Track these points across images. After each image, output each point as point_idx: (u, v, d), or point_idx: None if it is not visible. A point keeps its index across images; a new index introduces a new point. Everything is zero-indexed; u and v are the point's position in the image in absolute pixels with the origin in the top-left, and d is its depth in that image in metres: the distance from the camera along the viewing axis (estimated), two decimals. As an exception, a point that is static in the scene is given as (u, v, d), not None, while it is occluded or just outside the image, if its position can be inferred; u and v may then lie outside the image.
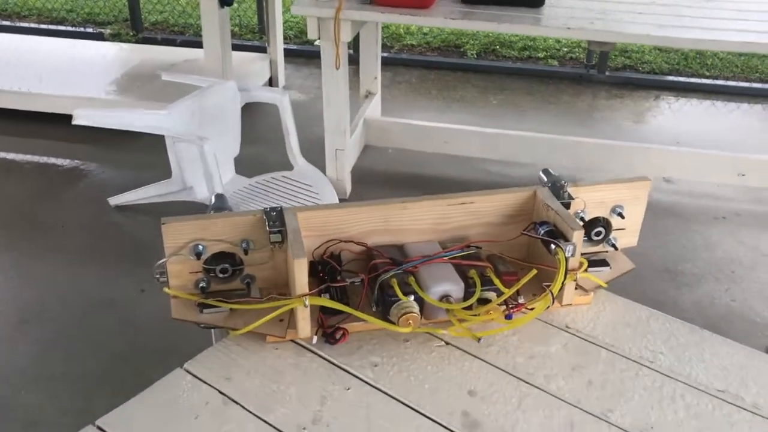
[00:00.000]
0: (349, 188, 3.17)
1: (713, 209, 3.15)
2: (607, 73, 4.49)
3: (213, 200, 1.28)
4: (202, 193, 2.87)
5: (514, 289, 1.13)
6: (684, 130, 3.95)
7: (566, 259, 1.10)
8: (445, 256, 1.17)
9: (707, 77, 4.60)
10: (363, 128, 3.37)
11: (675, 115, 4.18)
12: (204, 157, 2.68)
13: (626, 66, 4.71)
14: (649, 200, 1.31)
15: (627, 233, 1.30)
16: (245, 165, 3.15)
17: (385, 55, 4.37)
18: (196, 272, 1.16)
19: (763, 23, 2.66)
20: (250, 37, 5.09)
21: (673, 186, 3.32)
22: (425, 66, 4.63)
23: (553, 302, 1.14)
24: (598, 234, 1.28)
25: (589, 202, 1.25)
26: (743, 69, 4.69)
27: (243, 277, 1.18)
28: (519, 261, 1.23)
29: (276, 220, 1.13)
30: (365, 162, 3.40)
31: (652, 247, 2.85)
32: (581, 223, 1.20)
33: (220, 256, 1.15)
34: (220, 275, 1.17)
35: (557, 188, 1.23)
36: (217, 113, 2.95)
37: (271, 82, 4.18)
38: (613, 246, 1.29)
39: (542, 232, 1.16)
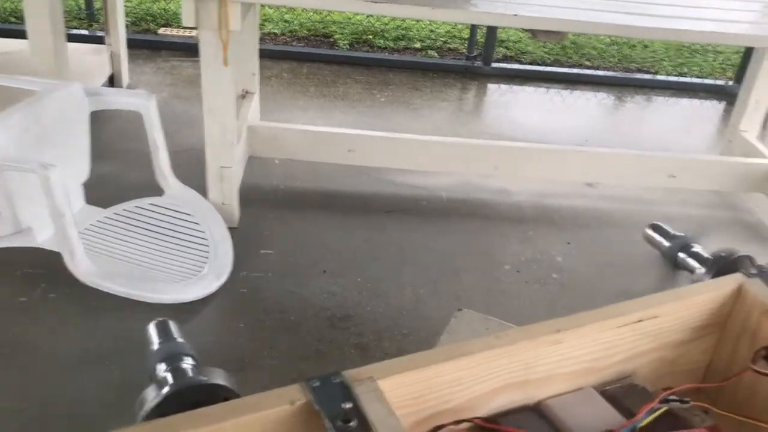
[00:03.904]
0: (237, 214, 2.53)
1: (644, 214, 2.88)
2: (493, 65, 4.15)
3: (156, 347, 0.65)
4: (44, 237, 2.12)
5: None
6: (590, 126, 3.70)
7: None
8: (635, 427, 0.65)
9: (588, 67, 4.42)
10: (246, 137, 2.73)
11: (572, 110, 3.93)
12: (49, 190, 1.93)
13: (507, 57, 4.41)
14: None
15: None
16: (97, 190, 2.43)
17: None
18: None
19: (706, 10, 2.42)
20: (76, 25, 4.16)
21: (597, 191, 3.02)
22: (295, 58, 4.03)
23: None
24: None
25: (796, 292, 0.78)
26: (620, 59, 4.57)
27: None
28: (729, 414, 0.73)
29: (329, 399, 0.55)
30: (250, 177, 2.77)
31: (599, 264, 2.52)
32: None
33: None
34: None
35: (776, 281, 0.75)
36: (60, 127, 2.20)
37: (113, 81, 3.38)
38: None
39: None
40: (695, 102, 4.18)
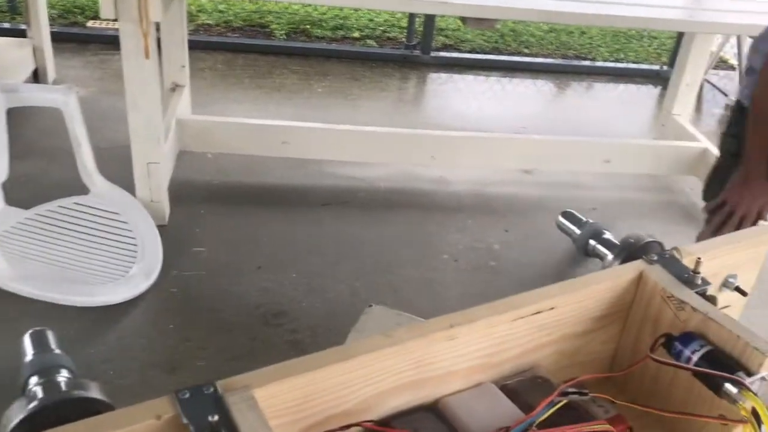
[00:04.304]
0: (167, 211, 2.46)
1: (582, 200, 2.90)
2: (432, 54, 4.13)
3: (29, 359, 0.60)
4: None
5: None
6: (530, 114, 3.71)
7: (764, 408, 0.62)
8: (533, 423, 0.62)
9: (526, 55, 4.44)
10: (176, 131, 2.65)
11: (510, 97, 3.94)
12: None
13: (446, 45, 4.40)
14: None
15: (732, 311, 0.85)
16: (18, 191, 2.32)
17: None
18: None
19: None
20: (-2, 18, 4.00)
21: (534, 178, 3.03)
22: (230, 49, 3.93)
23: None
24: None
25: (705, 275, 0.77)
26: (558, 46, 4.60)
27: None
28: (637, 406, 0.70)
29: (199, 411, 0.51)
30: (182, 173, 2.69)
31: (539, 250, 2.52)
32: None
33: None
34: None
35: (675, 264, 0.73)
36: (-28, 125, 2.09)
37: (37, 76, 3.24)
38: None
39: (693, 356, 0.67)
40: (632, 87, 4.23)
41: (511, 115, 3.66)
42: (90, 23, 3.91)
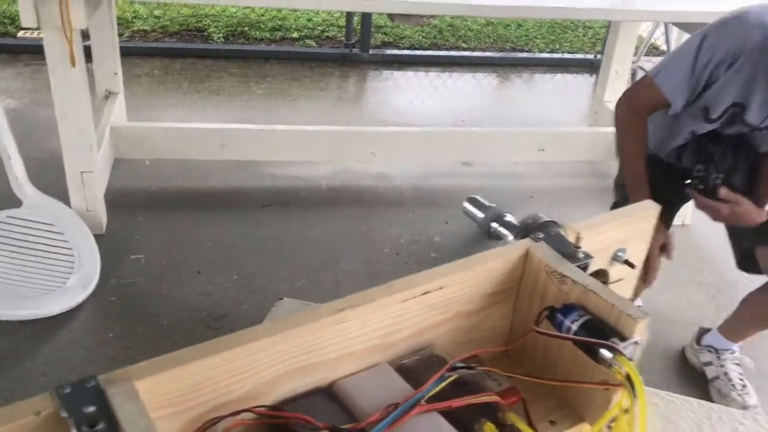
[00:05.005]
0: (104, 220, 2.44)
1: (520, 189, 2.96)
2: (371, 52, 4.16)
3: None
4: None
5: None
6: (469, 107, 3.76)
7: (636, 372, 0.65)
8: (422, 397, 0.65)
9: (465, 49, 4.50)
10: (110, 139, 2.62)
11: (450, 92, 3.98)
12: None
13: (385, 43, 4.43)
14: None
15: (625, 284, 0.89)
16: (-55, 206, 2.28)
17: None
18: None
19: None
20: None
21: (473, 169, 3.08)
22: (167, 54, 3.90)
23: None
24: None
25: (589, 251, 0.81)
26: (495, 39, 4.67)
27: None
28: (523, 377, 0.74)
29: (81, 404, 0.52)
30: (119, 181, 2.67)
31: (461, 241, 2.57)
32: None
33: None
34: None
35: (559, 241, 0.77)
36: None
37: (-34, 88, 3.17)
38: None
39: (573, 326, 0.70)
40: (568, 77, 4.32)
41: (450, 109, 3.71)
42: (21, 33, 3.83)
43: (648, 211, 0.87)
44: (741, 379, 2.05)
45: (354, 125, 3.17)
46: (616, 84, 3.18)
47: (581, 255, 0.76)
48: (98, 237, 2.33)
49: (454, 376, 0.68)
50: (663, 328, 2.28)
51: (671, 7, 2.62)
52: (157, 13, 4.26)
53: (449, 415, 0.66)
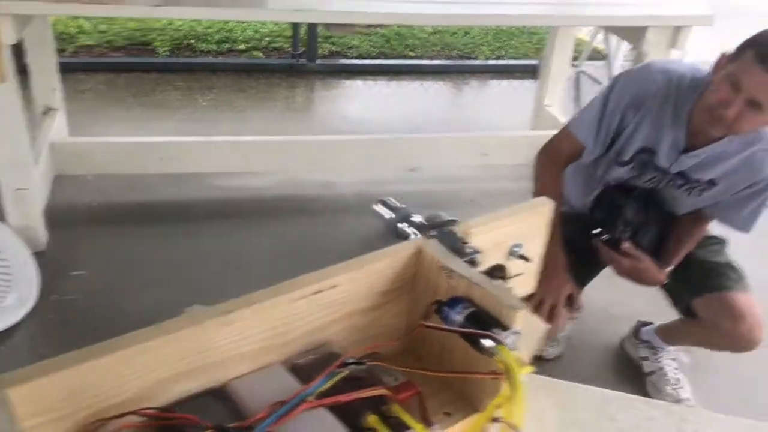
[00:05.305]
0: (44, 236, 2.41)
1: (463, 193, 3.01)
2: (318, 62, 4.18)
3: None
4: None
5: None
6: (416, 114, 3.80)
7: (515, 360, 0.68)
8: (309, 394, 0.67)
9: (413, 57, 4.55)
10: (50, 155, 2.60)
11: (398, 100, 4.02)
12: None
13: (333, 53, 4.45)
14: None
15: (525, 279, 0.93)
16: None
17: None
18: None
19: None
20: None
21: (419, 174, 3.12)
22: (111, 69, 3.87)
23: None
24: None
25: (484, 247, 0.84)
26: (442, 47, 4.73)
27: None
28: (415, 370, 0.76)
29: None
30: (61, 197, 2.64)
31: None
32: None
33: None
34: None
35: (450, 238, 0.80)
36: None
37: None
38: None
39: (458, 317, 0.73)
40: (514, 82, 4.40)
41: (398, 117, 3.75)
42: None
43: (541, 207, 0.90)
44: (676, 374, 2.11)
45: (300, 135, 3.18)
46: (555, 89, 3.25)
47: (468, 250, 0.79)
48: (38, 254, 2.30)
49: (344, 372, 0.70)
50: (602, 323, 2.34)
51: (604, 12, 2.70)
52: (102, 27, 4.22)
53: (339, 410, 0.68)
